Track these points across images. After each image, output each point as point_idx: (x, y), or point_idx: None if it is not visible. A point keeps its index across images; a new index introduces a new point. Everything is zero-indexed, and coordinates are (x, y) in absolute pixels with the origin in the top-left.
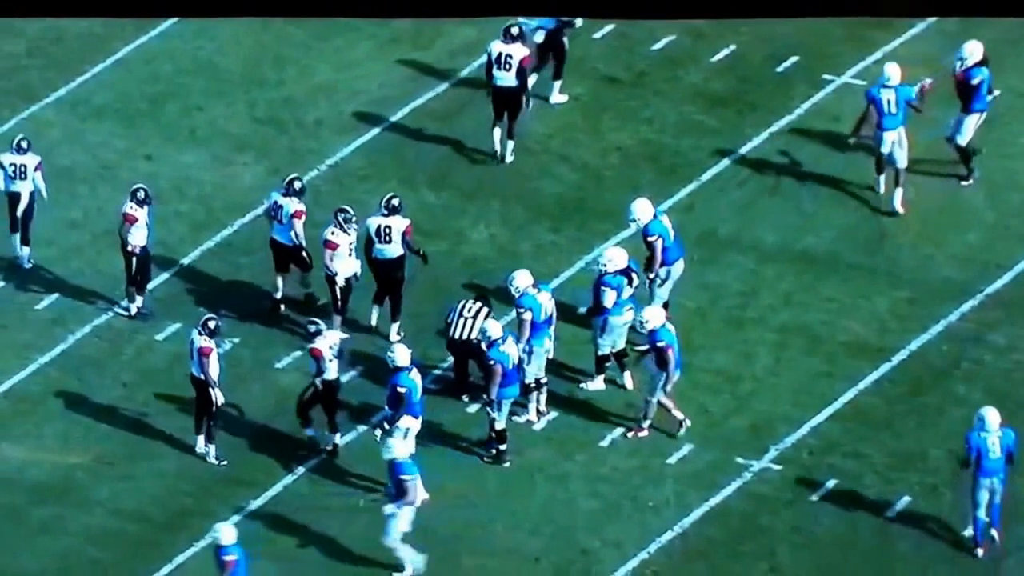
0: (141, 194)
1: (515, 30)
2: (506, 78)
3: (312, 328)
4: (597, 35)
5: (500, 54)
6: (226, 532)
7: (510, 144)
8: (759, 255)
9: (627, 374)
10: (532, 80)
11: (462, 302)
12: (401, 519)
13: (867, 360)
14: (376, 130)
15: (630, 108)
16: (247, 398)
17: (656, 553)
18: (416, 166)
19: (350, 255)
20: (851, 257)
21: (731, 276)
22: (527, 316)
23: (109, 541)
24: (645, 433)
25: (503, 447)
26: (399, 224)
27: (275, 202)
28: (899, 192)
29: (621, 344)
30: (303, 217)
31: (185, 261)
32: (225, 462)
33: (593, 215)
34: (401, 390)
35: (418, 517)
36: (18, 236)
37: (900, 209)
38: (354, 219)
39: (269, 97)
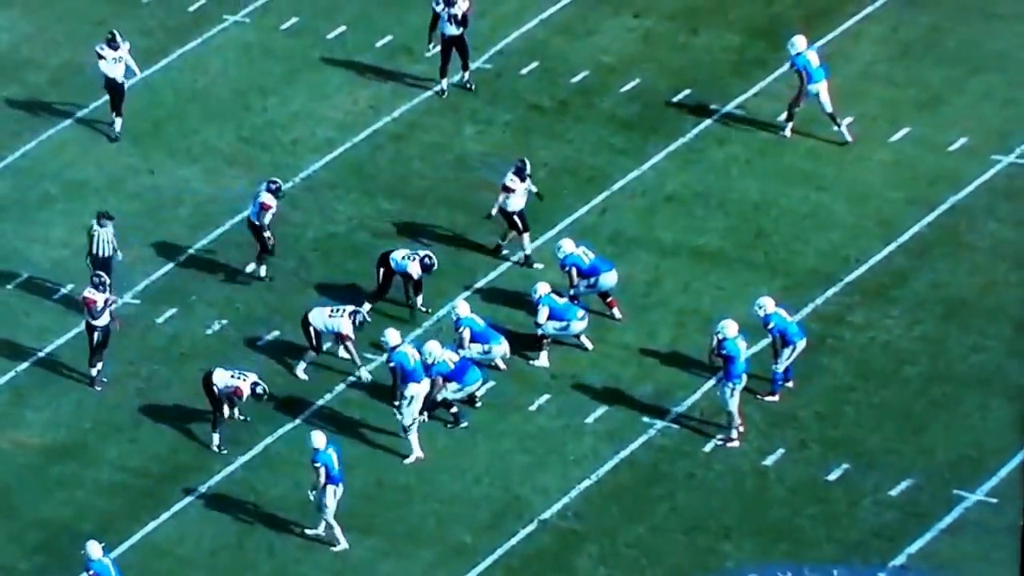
0: (273, 186)
1: None
2: (453, 29)
3: (97, 280)
4: (525, 70)
5: (447, 13)
6: (92, 548)
7: (466, 74)
8: (660, 251)
9: (585, 339)
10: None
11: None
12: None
13: (749, 336)
14: (342, 148)
15: (554, 131)
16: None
17: (576, 498)
18: (375, 178)
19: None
20: (735, 253)
21: (637, 268)
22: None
23: (117, 494)
24: (735, 443)
25: (454, 410)
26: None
27: None
28: (843, 125)
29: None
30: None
31: (182, 257)
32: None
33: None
34: (392, 365)
35: (376, 470)
36: (117, 118)
37: (850, 138)
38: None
39: (254, 121)
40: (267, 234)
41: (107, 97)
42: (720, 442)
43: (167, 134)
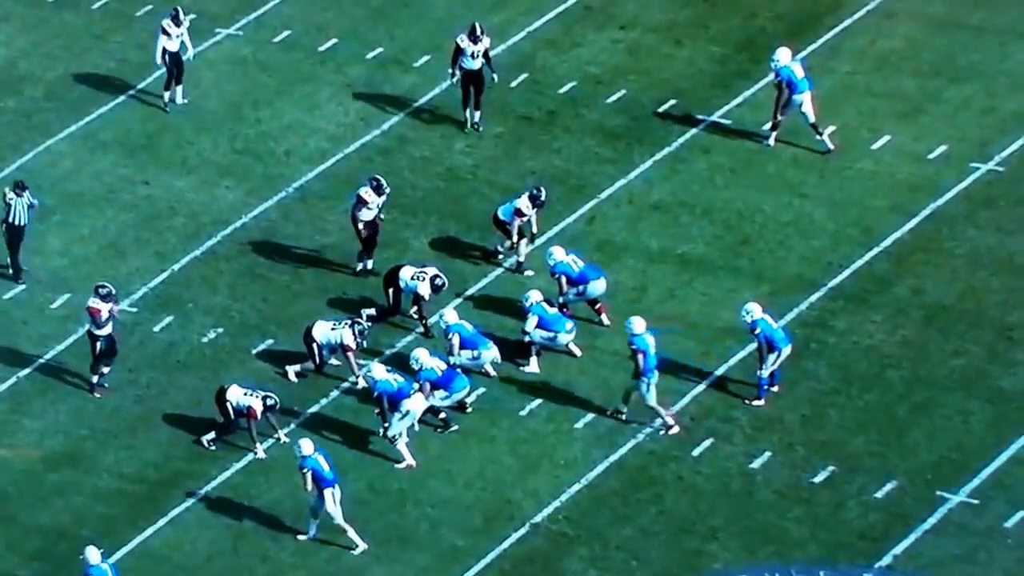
0: (374, 182)
1: (479, 31)
2: (473, 64)
3: (103, 291)
4: (514, 83)
5: (469, 49)
6: (91, 554)
7: (477, 114)
8: (647, 258)
9: (573, 347)
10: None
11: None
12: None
13: (735, 342)
14: (334, 159)
15: (542, 141)
16: (229, 378)
17: (567, 501)
18: None
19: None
20: (721, 259)
21: (625, 275)
22: (455, 339)
23: (114, 500)
24: (676, 430)
25: (443, 415)
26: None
27: None
28: (825, 134)
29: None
30: None
31: (176, 266)
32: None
33: None
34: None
35: (368, 476)
36: (178, 87)
37: (832, 147)
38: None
39: (247, 132)
40: (360, 227)
41: (161, 73)
42: (662, 430)
43: (162, 146)
